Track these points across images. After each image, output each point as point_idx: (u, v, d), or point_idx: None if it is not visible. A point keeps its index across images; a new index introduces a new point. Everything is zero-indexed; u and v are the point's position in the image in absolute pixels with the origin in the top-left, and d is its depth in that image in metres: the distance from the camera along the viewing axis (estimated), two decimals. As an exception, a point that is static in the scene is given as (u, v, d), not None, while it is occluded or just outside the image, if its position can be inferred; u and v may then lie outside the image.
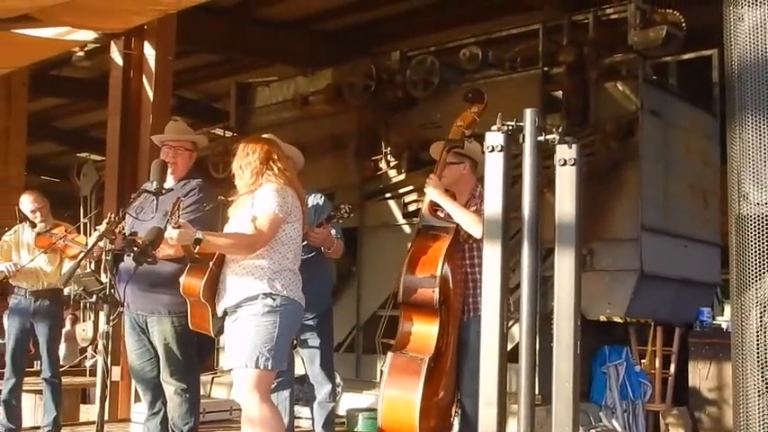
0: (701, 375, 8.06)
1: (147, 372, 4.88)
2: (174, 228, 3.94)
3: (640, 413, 7.96)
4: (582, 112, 7.90)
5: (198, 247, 4.01)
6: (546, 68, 8.09)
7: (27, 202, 6.00)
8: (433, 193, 4.35)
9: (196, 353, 4.90)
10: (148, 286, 4.71)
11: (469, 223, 4.24)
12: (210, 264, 4.14)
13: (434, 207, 4.44)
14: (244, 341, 3.97)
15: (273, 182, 4.10)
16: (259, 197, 4.06)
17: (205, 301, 4.16)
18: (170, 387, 4.76)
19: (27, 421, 6.41)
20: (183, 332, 4.69)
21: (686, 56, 8.57)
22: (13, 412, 5.93)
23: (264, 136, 4.45)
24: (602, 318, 7.63)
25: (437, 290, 4.15)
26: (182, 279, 4.26)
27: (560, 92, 8.09)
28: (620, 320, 7.76)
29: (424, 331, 4.19)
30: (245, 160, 4.17)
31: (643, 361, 8.15)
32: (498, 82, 8.22)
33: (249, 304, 3.98)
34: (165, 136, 5.00)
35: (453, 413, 4.45)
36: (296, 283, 4.07)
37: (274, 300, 3.95)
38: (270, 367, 3.93)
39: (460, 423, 4.45)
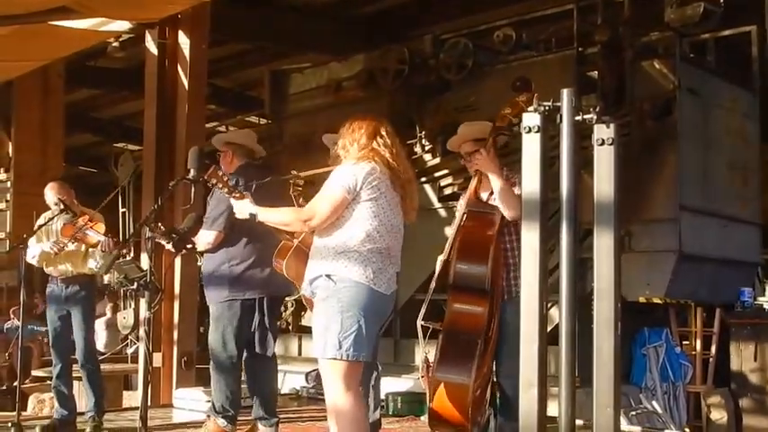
0: (742, 356, 7.99)
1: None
2: (236, 199, 4.13)
3: (681, 395, 7.91)
4: (618, 92, 7.81)
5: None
6: (581, 49, 8.00)
7: (51, 194, 6.04)
8: (489, 171, 4.36)
9: (253, 345, 5.24)
10: (205, 281, 5.37)
11: (510, 205, 4.25)
12: (296, 241, 4.24)
13: (477, 192, 4.49)
14: (315, 328, 3.90)
15: (357, 157, 3.90)
16: (332, 174, 3.93)
17: (292, 279, 4.48)
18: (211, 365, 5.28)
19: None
20: (223, 317, 5.16)
21: (724, 32, 8.44)
22: (64, 398, 5.99)
23: (378, 118, 4.14)
24: (642, 299, 7.57)
25: (489, 274, 4.21)
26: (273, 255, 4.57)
27: (596, 72, 8.00)
28: (659, 302, 7.69)
29: (475, 312, 4.22)
30: (350, 137, 3.99)
31: (684, 342, 8.08)
32: (532, 63, 8.15)
33: (315, 287, 3.90)
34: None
35: (488, 393, 4.47)
36: (364, 264, 3.79)
37: (335, 283, 3.79)
38: (335, 356, 3.72)
39: (501, 403, 4.47)
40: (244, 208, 4.13)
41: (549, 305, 3.36)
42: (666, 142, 7.63)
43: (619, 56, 7.83)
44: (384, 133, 3.99)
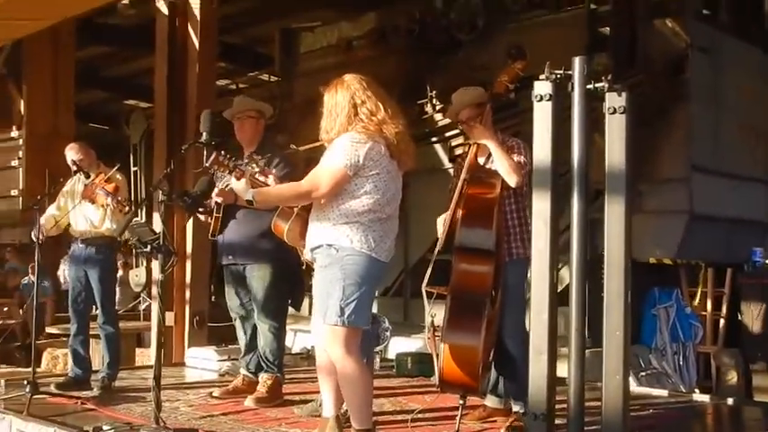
0: (753, 316, 7.99)
1: (249, 313, 5.51)
2: (237, 179, 4.10)
3: (691, 355, 7.93)
4: (629, 50, 7.74)
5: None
6: (592, 6, 7.91)
7: (68, 155, 6.06)
8: (488, 142, 4.50)
9: (289, 296, 5.52)
10: (250, 236, 5.26)
11: (510, 172, 4.38)
12: (296, 208, 4.26)
13: (476, 156, 4.59)
14: (316, 293, 3.97)
15: (353, 131, 3.87)
16: (331, 148, 3.91)
17: (291, 243, 4.44)
18: (264, 325, 5.38)
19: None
20: (280, 277, 5.32)
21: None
22: (79, 359, 6.04)
23: (346, 76, 4.03)
24: (652, 260, 7.57)
25: (494, 235, 4.30)
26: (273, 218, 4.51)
27: (608, 29, 7.91)
28: (669, 262, 7.69)
29: (481, 272, 4.30)
30: (332, 109, 3.93)
31: (695, 303, 8.10)
32: (544, 22, 8.07)
33: (317, 254, 3.95)
34: (229, 111, 5.46)
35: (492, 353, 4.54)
36: (365, 234, 3.82)
37: (337, 251, 3.83)
38: (337, 322, 3.80)
39: (506, 364, 4.54)
40: (242, 191, 4.06)
41: (560, 265, 3.40)
42: (678, 102, 7.58)
43: (631, 14, 7.75)
44: (361, 101, 3.91)
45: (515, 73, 4.54)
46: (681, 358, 7.85)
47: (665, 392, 6.20)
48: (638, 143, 6.93)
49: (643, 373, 7.29)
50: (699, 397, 6.14)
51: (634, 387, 6.54)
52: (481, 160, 4.63)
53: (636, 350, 7.44)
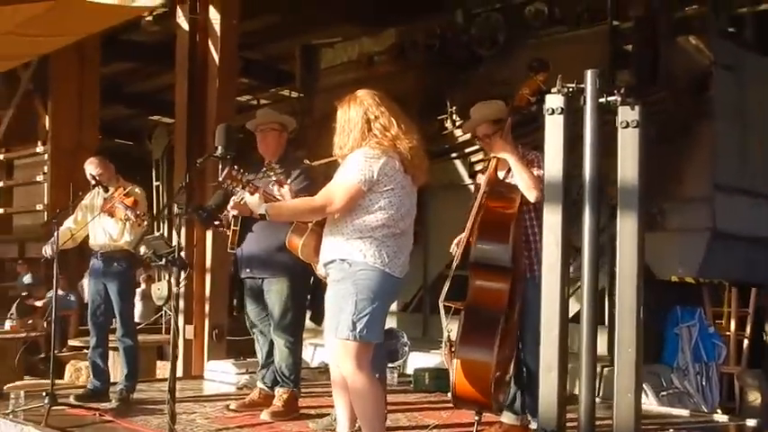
0: (777, 337, 7.90)
1: (266, 327, 5.49)
2: (251, 194, 4.14)
3: (714, 375, 7.83)
4: (652, 67, 7.69)
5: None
6: (614, 23, 7.88)
7: (87, 169, 6.11)
8: (508, 156, 4.48)
9: (310, 310, 5.49)
10: (268, 250, 5.22)
11: (530, 187, 4.37)
12: (310, 224, 4.26)
13: (496, 170, 4.58)
14: (329, 308, 3.96)
15: (367, 147, 3.87)
16: (345, 164, 3.91)
17: (305, 259, 4.40)
18: (280, 340, 5.36)
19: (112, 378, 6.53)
20: (297, 291, 5.30)
21: (764, 6, 8.26)
22: (98, 371, 6.07)
23: (359, 92, 4.03)
24: (674, 278, 7.48)
25: (511, 251, 4.28)
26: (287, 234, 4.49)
27: (630, 46, 7.88)
28: (692, 281, 7.61)
29: (497, 289, 4.27)
30: (345, 125, 3.94)
31: (718, 322, 7.99)
32: (565, 38, 8.05)
33: (330, 268, 3.94)
34: (252, 122, 5.49)
35: (511, 369, 4.51)
36: (378, 249, 3.79)
37: (350, 266, 3.82)
38: (348, 337, 3.77)
39: (525, 378, 4.50)
40: (255, 205, 4.13)
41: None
42: (701, 119, 7.50)
43: (653, 31, 7.70)
44: (375, 116, 3.92)
45: (537, 85, 4.49)
46: (703, 378, 7.74)
47: (686, 412, 6.11)
48: (661, 161, 6.91)
49: (664, 393, 7.19)
50: (720, 417, 6.05)
51: (655, 406, 6.47)
52: (501, 174, 4.60)
53: (657, 369, 7.35)
